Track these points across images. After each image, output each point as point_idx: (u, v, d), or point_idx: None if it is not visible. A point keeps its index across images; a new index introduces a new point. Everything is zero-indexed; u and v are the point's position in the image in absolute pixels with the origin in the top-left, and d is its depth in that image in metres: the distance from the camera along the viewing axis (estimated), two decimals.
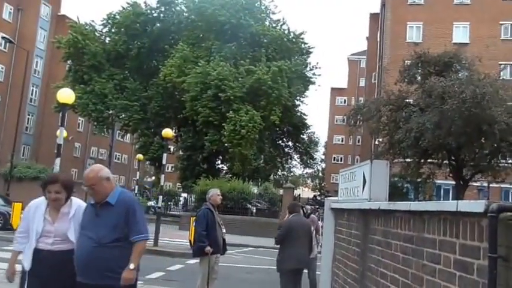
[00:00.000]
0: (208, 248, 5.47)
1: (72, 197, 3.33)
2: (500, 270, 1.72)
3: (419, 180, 19.96)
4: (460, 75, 17.50)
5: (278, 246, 5.86)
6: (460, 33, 28.50)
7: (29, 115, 41.81)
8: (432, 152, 17.26)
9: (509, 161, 18.27)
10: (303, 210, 7.74)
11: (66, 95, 8.70)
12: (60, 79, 30.80)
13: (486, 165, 17.21)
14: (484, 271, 1.80)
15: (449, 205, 2.11)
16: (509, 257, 1.70)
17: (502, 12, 27.58)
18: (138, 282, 7.90)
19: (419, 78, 18.48)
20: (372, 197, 3.51)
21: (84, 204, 3.36)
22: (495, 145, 16.09)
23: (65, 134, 8.88)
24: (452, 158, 17.66)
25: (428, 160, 18.34)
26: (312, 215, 7.49)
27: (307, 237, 5.79)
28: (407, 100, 18.20)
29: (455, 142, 15.60)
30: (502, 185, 21.29)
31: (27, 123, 41.89)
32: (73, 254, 3.12)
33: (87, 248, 3.02)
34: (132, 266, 3.02)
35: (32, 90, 42.04)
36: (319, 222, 7.13)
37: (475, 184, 20.22)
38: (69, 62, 30.06)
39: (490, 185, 20.87)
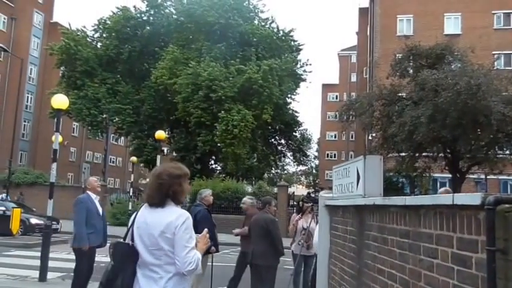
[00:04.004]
0: (213, 248, 5.71)
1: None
2: (498, 264, 1.68)
3: (414, 174, 19.92)
4: (452, 66, 17.45)
5: None
6: (452, 24, 28.49)
7: (25, 122, 42.28)
8: (427, 146, 17.18)
9: (507, 152, 18.08)
10: (299, 206, 7.70)
11: (60, 101, 8.70)
12: (54, 85, 31.28)
13: (483, 156, 17.06)
14: (483, 265, 1.76)
15: (445, 199, 2.06)
16: (508, 250, 1.66)
17: (494, 2, 27.57)
18: None
19: (411, 71, 18.45)
20: (366, 192, 3.47)
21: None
22: (492, 136, 15.99)
23: (60, 139, 8.82)
24: (448, 150, 17.58)
25: (423, 154, 18.27)
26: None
27: (261, 233, 5.87)
28: (399, 94, 18.16)
29: (450, 134, 15.53)
30: (500, 177, 21.15)
31: (24, 130, 42.58)
32: None
33: None
34: None
35: (27, 97, 42.82)
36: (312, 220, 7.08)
37: (472, 176, 20.10)
38: (62, 68, 30.48)
39: (488, 177, 20.82)
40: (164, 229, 2.44)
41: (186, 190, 2.63)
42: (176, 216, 2.47)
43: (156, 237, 2.45)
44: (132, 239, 2.55)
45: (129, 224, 2.65)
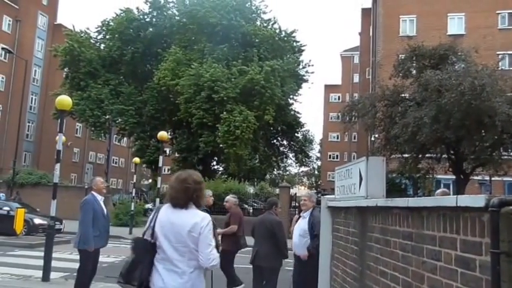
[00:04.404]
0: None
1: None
2: (503, 266, 1.66)
3: (418, 175, 19.78)
4: (456, 67, 17.27)
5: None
6: (455, 25, 28.33)
7: (29, 122, 42.63)
8: (430, 147, 17.05)
9: None
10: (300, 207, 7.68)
11: (64, 102, 8.72)
12: (58, 86, 31.62)
13: (487, 158, 16.83)
14: (487, 267, 1.74)
15: (449, 200, 2.05)
16: None
17: (499, 1, 27.37)
18: None
19: (414, 72, 18.31)
20: (368, 194, 3.45)
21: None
22: (496, 137, 15.84)
23: (63, 139, 8.85)
24: (452, 152, 17.41)
25: (427, 155, 18.14)
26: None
27: (266, 235, 5.84)
28: (402, 95, 18.03)
29: (454, 135, 15.39)
30: (505, 178, 20.93)
31: (28, 131, 42.95)
32: None
33: None
34: None
35: (32, 98, 43.24)
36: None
37: (476, 178, 19.86)
38: (66, 69, 30.77)
39: (492, 179, 20.58)
40: (191, 228, 2.75)
41: (204, 195, 3.01)
42: (201, 218, 2.80)
43: (184, 235, 2.74)
44: (152, 236, 2.82)
45: (150, 222, 2.89)
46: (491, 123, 14.65)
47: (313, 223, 5.41)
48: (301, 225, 5.60)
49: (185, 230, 2.75)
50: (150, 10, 30.60)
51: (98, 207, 6.07)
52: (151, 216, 2.95)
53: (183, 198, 2.82)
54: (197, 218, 2.79)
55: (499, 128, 14.74)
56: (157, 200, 16.08)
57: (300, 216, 7.25)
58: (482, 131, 15.87)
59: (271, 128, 30.11)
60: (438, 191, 6.55)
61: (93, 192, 6.23)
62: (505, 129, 15.15)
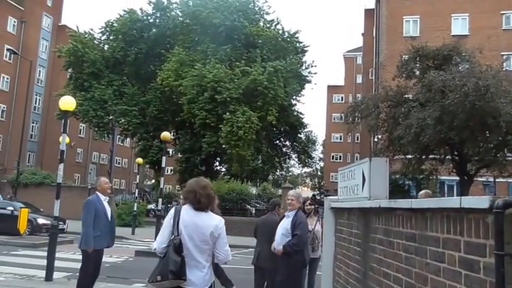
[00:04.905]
0: None
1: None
2: (507, 268, 1.65)
3: (421, 176, 19.71)
4: (460, 68, 17.20)
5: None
6: (459, 25, 28.20)
7: (33, 123, 42.81)
8: (434, 148, 16.97)
9: None
10: (303, 210, 7.63)
11: (68, 103, 8.76)
12: (62, 87, 31.78)
13: (491, 159, 16.66)
14: (491, 269, 1.73)
15: (452, 202, 2.03)
16: None
17: (503, 2, 27.21)
18: (142, 285, 7.78)
19: (417, 72, 18.25)
20: (372, 195, 3.44)
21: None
22: (500, 138, 15.74)
23: (67, 140, 8.87)
24: (455, 153, 17.31)
25: (430, 156, 18.06)
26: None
27: (268, 236, 5.78)
28: (406, 95, 17.97)
29: (457, 137, 15.30)
30: (509, 180, 20.66)
31: (32, 131, 43.14)
32: None
33: None
34: None
35: (36, 98, 43.47)
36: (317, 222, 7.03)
37: (480, 179, 19.76)
38: (70, 70, 30.95)
39: (497, 180, 20.47)
40: (213, 230, 3.19)
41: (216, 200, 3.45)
42: (219, 220, 3.28)
43: (207, 235, 3.17)
44: (178, 234, 3.17)
45: (173, 222, 3.22)
46: (496, 124, 14.56)
47: (296, 223, 5.34)
48: (284, 225, 5.55)
49: (209, 231, 3.18)
50: (154, 11, 30.70)
51: (100, 208, 6.02)
52: (172, 217, 3.25)
53: (206, 203, 3.26)
54: (216, 221, 3.25)
55: (504, 129, 14.63)
56: (160, 200, 16.11)
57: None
58: (487, 132, 15.77)
59: (274, 129, 30.09)
60: (421, 192, 6.46)
61: (97, 192, 6.21)
62: (510, 130, 15.00)
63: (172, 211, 3.30)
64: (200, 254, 3.18)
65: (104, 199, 6.17)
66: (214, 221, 3.24)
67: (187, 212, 3.23)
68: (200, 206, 3.23)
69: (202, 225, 3.18)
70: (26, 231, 14.96)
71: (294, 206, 5.60)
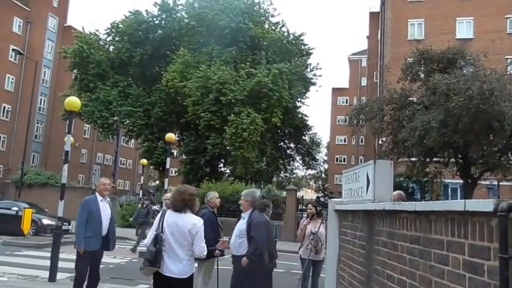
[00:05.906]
0: (217, 252, 5.54)
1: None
2: (511, 272, 1.65)
3: (425, 179, 19.66)
4: (464, 71, 17.18)
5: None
6: (464, 29, 28.13)
7: (38, 123, 42.93)
8: (438, 151, 16.95)
9: None
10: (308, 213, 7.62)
11: (73, 103, 8.78)
12: (67, 88, 31.92)
13: (496, 162, 16.68)
14: (495, 272, 1.73)
15: (457, 204, 2.03)
16: None
17: (508, 6, 27.12)
18: (146, 286, 7.76)
19: (422, 75, 18.22)
20: (376, 197, 3.44)
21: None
22: (505, 142, 15.70)
23: (72, 141, 8.90)
24: (460, 156, 17.28)
25: (434, 159, 18.02)
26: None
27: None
28: (410, 98, 17.96)
29: (462, 140, 15.28)
30: None
31: (37, 132, 43.22)
32: None
33: None
34: None
35: (41, 99, 43.55)
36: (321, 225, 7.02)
37: (484, 183, 19.68)
38: (75, 71, 31.05)
39: (501, 183, 20.41)
40: (191, 228, 3.84)
41: (197, 204, 4.13)
42: (197, 220, 3.94)
43: (186, 232, 3.83)
44: (162, 231, 3.87)
45: (158, 222, 3.95)
46: (500, 128, 14.54)
47: (251, 224, 5.20)
48: (238, 226, 5.47)
49: (187, 229, 3.82)
50: (159, 13, 30.81)
51: (94, 208, 5.85)
52: (158, 218, 3.99)
53: (181, 206, 3.92)
54: (195, 221, 3.91)
55: (508, 132, 14.63)
56: (164, 201, 16.12)
57: (310, 221, 7.23)
58: (491, 136, 15.75)
59: (279, 131, 30.09)
60: (394, 192, 6.38)
61: (97, 193, 6.16)
62: None
63: (159, 214, 4.04)
64: (181, 249, 3.82)
65: (101, 200, 6.01)
66: (193, 220, 3.89)
67: (170, 213, 3.94)
68: (176, 208, 3.91)
69: (182, 224, 3.84)
70: (30, 232, 15.01)
71: (246, 207, 5.38)
